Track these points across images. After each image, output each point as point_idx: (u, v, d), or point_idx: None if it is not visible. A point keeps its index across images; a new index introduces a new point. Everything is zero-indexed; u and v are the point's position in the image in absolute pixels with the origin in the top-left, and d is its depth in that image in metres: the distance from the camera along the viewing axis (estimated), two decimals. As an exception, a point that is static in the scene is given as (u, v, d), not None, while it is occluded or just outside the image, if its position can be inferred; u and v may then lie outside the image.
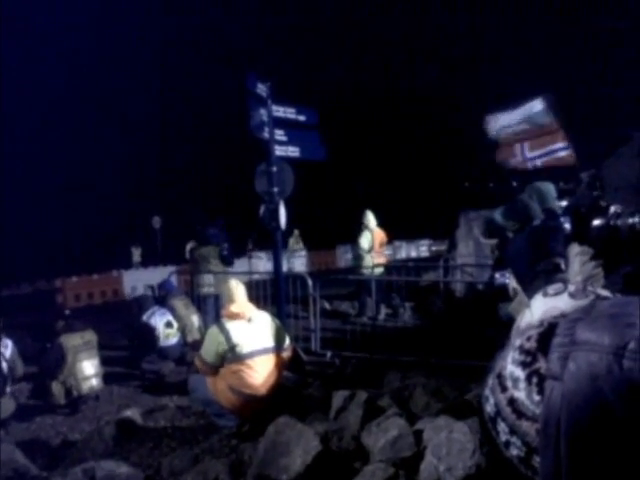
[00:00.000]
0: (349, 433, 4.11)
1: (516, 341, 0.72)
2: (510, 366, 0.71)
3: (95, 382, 6.57)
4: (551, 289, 1.57)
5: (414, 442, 3.74)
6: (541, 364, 0.66)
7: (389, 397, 4.89)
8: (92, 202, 37.60)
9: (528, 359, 0.68)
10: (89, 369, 6.51)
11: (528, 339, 0.70)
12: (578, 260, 2.26)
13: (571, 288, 1.53)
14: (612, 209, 2.05)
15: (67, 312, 7.21)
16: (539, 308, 1.56)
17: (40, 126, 38.73)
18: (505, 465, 0.70)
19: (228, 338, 4.97)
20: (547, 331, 0.69)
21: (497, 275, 2.96)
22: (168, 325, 7.63)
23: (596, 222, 2.00)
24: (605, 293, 1.51)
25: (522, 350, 0.70)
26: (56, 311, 7.18)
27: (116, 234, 23.83)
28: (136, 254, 22.69)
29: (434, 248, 29.30)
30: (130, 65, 47.05)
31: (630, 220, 1.81)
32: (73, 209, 36.03)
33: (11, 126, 32.40)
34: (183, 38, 48.64)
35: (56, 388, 6.29)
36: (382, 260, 11.55)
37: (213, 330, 5.16)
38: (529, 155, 8.10)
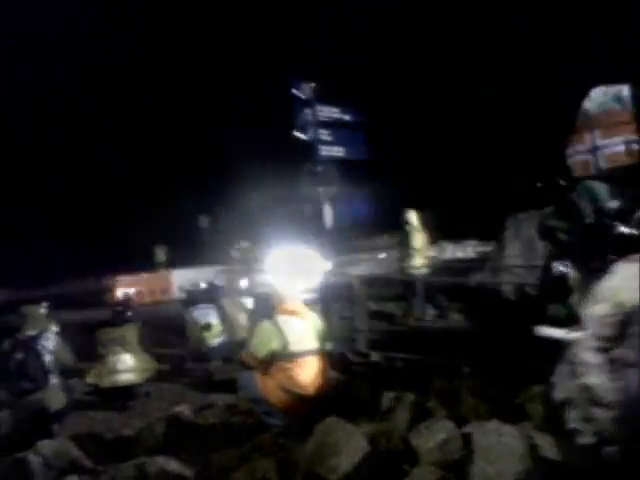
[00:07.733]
0: (397, 434, 4.10)
1: (591, 329, 0.72)
2: (584, 353, 0.70)
3: (124, 377, 6.66)
4: (635, 257, 1.68)
5: (462, 445, 3.71)
6: (617, 352, 0.66)
7: (436, 399, 4.86)
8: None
9: (604, 346, 0.68)
10: (120, 364, 6.65)
11: (603, 327, 0.70)
12: None
13: None
14: (638, 214, 2.02)
15: (119, 308, 7.36)
16: (620, 272, 1.64)
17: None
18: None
19: (282, 335, 5.00)
20: (623, 320, 0.69)
21: (556, 264, 2.89)
22: (205, 328, 7.61)
23: (622, 228, 1.97)
24: None
25: (598, 338, 0.70)
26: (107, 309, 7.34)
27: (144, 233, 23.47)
28: (160, 253, 21.59)
29: (480, 249, 28.82)
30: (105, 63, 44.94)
31: None
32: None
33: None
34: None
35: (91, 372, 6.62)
36: (426, 261, 11.46)
37: (266, 325, 5.16)
38: (599, 143, 7.66)
